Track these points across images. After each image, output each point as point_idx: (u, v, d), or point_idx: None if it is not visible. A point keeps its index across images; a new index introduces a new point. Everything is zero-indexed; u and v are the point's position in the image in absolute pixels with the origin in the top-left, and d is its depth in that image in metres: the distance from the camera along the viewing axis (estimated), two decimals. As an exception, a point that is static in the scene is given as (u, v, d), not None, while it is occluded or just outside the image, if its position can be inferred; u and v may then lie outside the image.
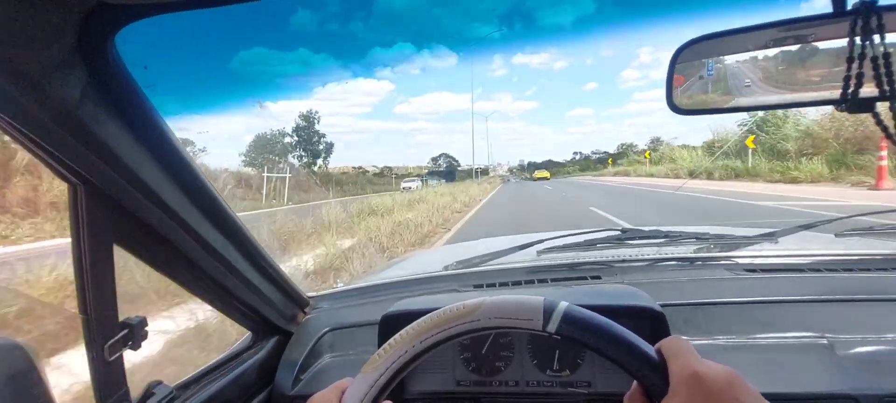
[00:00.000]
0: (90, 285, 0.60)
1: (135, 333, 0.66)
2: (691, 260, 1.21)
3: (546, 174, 51.24)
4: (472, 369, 0.86)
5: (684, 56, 0.50)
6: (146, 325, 0.68)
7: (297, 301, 1.10)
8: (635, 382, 0.49)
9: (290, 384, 0.95)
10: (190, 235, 0.71)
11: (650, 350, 0.48)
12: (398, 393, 0.85)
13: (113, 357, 0.63)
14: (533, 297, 0.53)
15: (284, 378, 0.97)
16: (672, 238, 1.32)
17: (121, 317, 0.65)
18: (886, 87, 0.40)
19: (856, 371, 0.76)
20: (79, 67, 0.49)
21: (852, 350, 0.82)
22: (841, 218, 1.32)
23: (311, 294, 1.20)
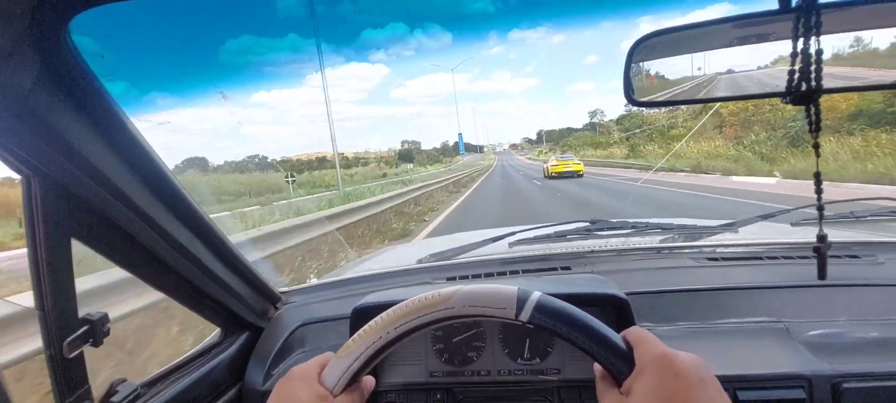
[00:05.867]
0: (47, 280, 0.59)
1: (95, 329, 0.64)
2: (657, 250, 1.25)
3: (577, 165, 22.12)
4: (444, 360, 0.87)
5: (640, 50, 0.52)
6: (108, 321, 0.66)
7: (268, 296, 1.09)
8: (603, 368, 0.51)
9: (261, 379, 0.95)
10: (153, 229, 0.69)
11: (617, 338, 0.50)
12: None
13: (72, 355, 0.62)
14: (507, 287, 0.54)
15: (255, 373, 0.96)
16: (639, 228, 1.37)
17: (81, 313, 0.64)
18: (815, 83, 0.42)
19: (810, 354, 0.80)
20: (31, 55, 0.47)
21: (807, 334, 0.86)
22: (797, 209, 1.38)
23: (282, 289, 1.19)
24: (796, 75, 0.45)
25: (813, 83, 0.44)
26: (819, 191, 0.52)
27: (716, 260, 1.15)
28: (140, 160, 0.64)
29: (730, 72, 0.57)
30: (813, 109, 0.46)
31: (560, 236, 1.38)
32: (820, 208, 0.53)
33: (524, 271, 1.17)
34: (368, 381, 0.63)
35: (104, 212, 0.63)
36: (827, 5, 0.44)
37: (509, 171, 35.18)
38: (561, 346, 0.84)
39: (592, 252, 1.25)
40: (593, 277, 0.95)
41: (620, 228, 1.39)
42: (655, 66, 0.58)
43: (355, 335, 0.56)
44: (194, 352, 0.94)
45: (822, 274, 0.60)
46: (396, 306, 0.56)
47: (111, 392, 0.71)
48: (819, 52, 0.43)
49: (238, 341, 1.00)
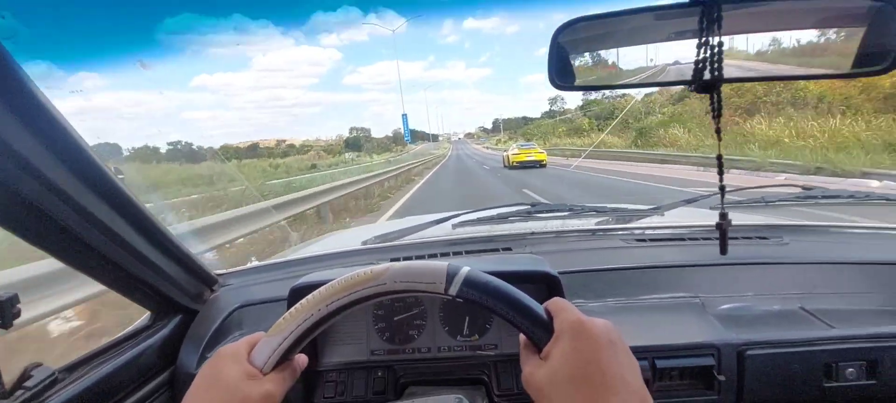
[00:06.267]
0: None
1: (4, 310, 0.60)
2: (592, 232, 1.32)
3: (540, 154, 19.61)
4: (386, 338, 0.88)
5: (564, 35, 0.55)
6: (18, 302, 0.62)
7: (203, 278, 1.05)
8: (526, 337, 0.54)
9: (194, 362, 0.92)
10: (68, 205, 0.65)
11: (539, 308, 0.53)
12: (311, 366, 0.85)
13: None
14: (438, 262, 0.56)
15: (189, 356, 0.93)
16: (576, 211, 1.44)
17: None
18: (717, 72, 0.47)
19: (720, 325, 0.88)
20: None
21: (719, 308, 0.95)
22: (714, 194, 1.49)
23: (219, 271, 1.15)
24: (700, 65, 0.49)
25: (715, 72, 0.48)
26: (721, 173, 0.57)
27: (644, 241, 1.23)
28: (49, 127, 0.59)
29: (677, 62, 0.62)
30: (715, 97, 0.51)
31: (502, 218, 1.43)
32: (722, 188, 0.59)
33: (467, 252, 1.21)
34: (301, 359, 0.63)
35: (9, 185, 0.58)
36: (727, 1, 0.49)
37: (467, 163, 28.23)
38: (499, 324, 0.88)
39: (533, 233, 1.30)
40: (531, 257, 0.99)
41: (559, 210, 1.46)
42: (613, 57, 0.62)
43: (287, 313, 0.56)
44: (121, 336, 0.90)
45: (723, 248, 0.66)
46: (329, 283, 0.56)
47: (24, 376, 0.67)
48: (720, 44, 0.48)
49: (170, 324, 0.96)
